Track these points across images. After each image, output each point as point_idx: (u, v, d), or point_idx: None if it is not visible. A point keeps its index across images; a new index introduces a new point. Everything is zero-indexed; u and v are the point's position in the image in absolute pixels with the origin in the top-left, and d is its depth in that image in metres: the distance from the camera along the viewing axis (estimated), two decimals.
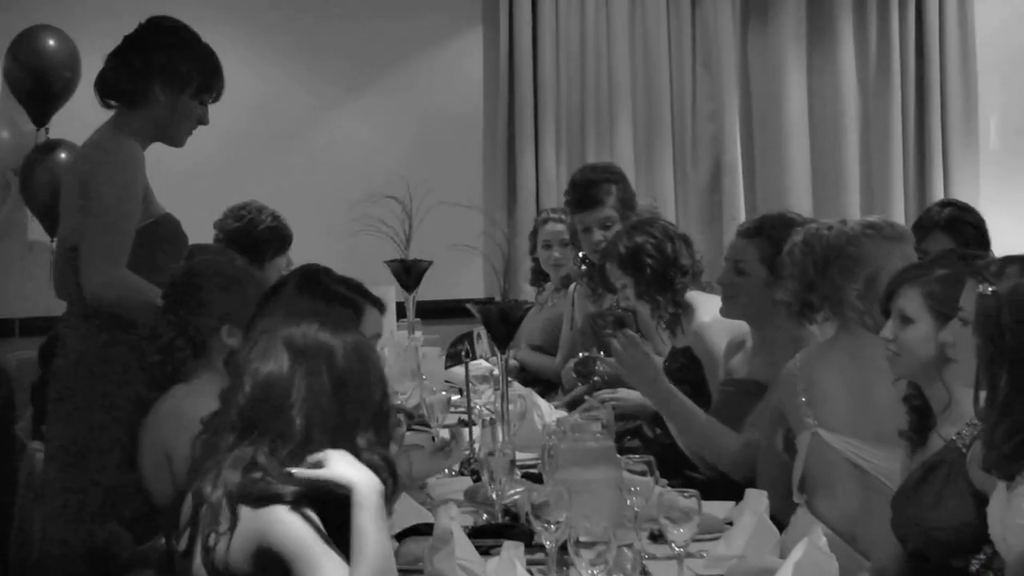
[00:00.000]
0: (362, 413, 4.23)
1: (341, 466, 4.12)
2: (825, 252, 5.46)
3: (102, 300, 5.93)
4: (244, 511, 4.13)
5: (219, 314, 5.41)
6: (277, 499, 4.08)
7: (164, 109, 6.14)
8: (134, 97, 6.12)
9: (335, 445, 4.15)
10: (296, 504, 4.09)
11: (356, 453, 4.19)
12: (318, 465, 4.12)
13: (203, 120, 6.26)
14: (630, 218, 7.75)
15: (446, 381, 7.47)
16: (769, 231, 6.09)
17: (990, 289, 4.30)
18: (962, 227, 6.68)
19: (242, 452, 4.11)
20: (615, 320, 6.22)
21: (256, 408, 4.18)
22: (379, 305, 5.42)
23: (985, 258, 4.85)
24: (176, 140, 6.25)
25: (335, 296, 5.27)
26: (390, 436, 4.35)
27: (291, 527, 4.07)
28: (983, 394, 4.31)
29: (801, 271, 5.51)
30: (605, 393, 6.89)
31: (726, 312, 6.33)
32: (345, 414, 4.20)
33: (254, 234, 7.76)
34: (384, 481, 4.17)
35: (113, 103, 6.17)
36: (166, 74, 6.12)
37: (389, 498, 4.27)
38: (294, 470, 4.07)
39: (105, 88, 6.20)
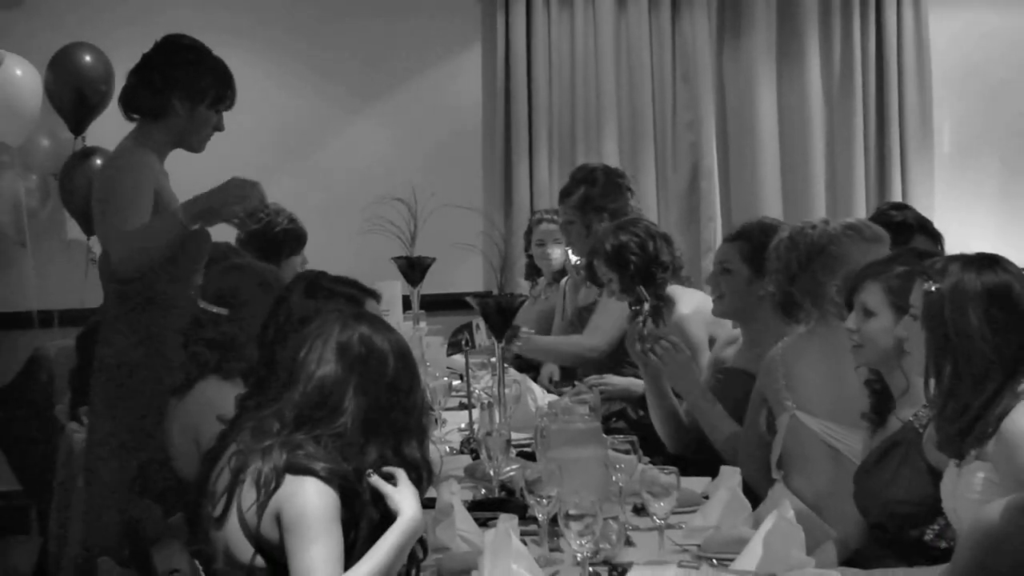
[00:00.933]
0: (408, 417, 4.25)
1: (405, 492, 4.16)
2: (808, 249, 5.49)
3: (126, 273, 5.94)
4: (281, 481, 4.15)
5: (262, 302, 5.41)
6: (310, 472, 4.10)
7: (183, 120, 6.14)
8: (155, 110, 6.13)
9: (382, 446, 4.18)
10: (327, 481, 4.10)
11: (400, 454, 4.23)
12: (391, 477, 4.17)
13: (219, 127, 6.26)
14: (591, 218, 7.79)
15: (448, 368, 7.47)
16: (749, 234, 6.13)
17: (934, 287, 4.32)
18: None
19: (291, 439, 4.14)
20: (636, 300, 6.18)
21: (310, 408, 4.20)
22: (376, 296, 5.41)
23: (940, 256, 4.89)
24: (195, 147, 6.25)
25: (340, 295, 5.27)
26: (428, 436, 4.38)
27: (307, 500, 4.07)
28: (933, 381, 4.33)
29: (785, 265, 5.54)
30: (593, 378, 6.91)
31: (716, 311, 6.35)
32: (394, 418, 4.22)
33: (271, 235, 7.75)
34: (421, 479, 4.23)
35: (136, 116, 6.18)
36: (184, 88, 6.12)
37: (423, 491, 4.30)
38: (371, 478, 4.12)
39: (128, 103, 6.21)
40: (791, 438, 5.26)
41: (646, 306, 6.06)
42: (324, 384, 4.21)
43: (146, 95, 6.15)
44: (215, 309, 5.62)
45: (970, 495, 4.18)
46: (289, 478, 4.09)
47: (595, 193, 7.90)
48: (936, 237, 6.66)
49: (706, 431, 5.99)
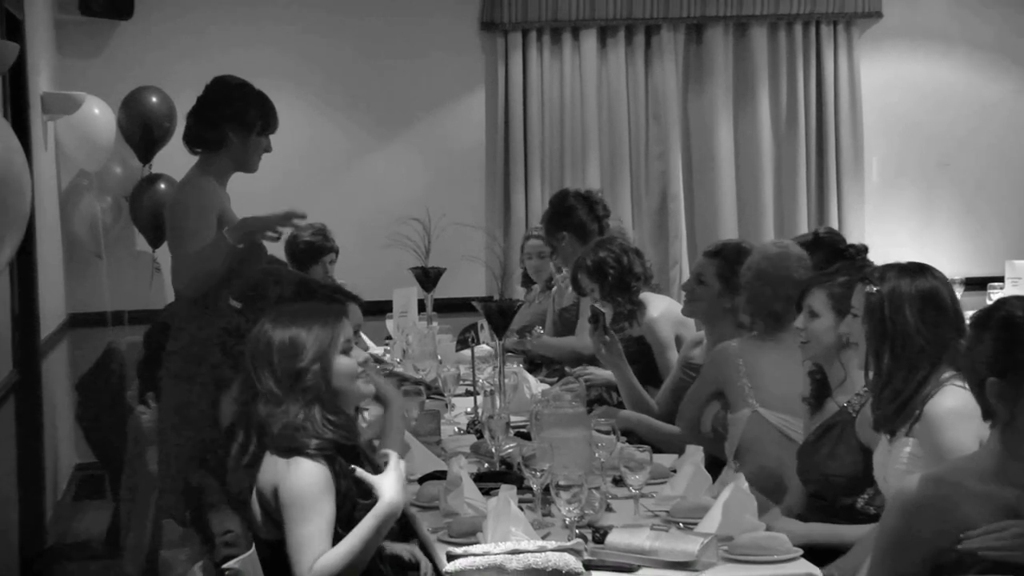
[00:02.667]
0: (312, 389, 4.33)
1: (388, 479, 4.22)
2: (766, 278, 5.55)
3: (192, 293, 5.98)
4: (272, 458, 4.18)
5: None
6: (301, 450, 4.14)
7: (238, 147, 6.14)
8: (213, 143, 6.12)
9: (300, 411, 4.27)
10: (314, 455, 4.14)
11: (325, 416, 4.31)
12: (384, 459, 4.26)
13: (268, 149, 6.25)
14: (552, 233, 7.82)
15: (456, 361, 7.45)
16: (726, 254, 6.09)
17: (875, 289, 4.35)
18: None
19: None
20: (592, 316, 6.22)
21: (249, 396, 4.34)
22: (358, 301, 5.42)
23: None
24: (251, 168, 6.26)
25: (325, 298, 5.29)
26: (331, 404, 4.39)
27: (301, 480, 4.11)
28: (872, 370, 4.35)
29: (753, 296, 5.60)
30: (579, 370, 6.91)
31: (687, 312, 6.35)
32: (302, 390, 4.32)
33: (298, 245, 7.77)
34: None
35: (198, 150, 6.19)
36: (236, 121, 6.12)
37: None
38: (357, 471, 4.18)
39: (190, 139, 6.21)
40: (751, 430, 5.22)
41: (602, 319, 6.11)
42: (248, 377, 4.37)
43: (204, 131, 6.15)
44: (238, 305, 5.63)
45: (898, 466, 4.19)
46: (285, 460, 4.15)
47: (556, 214, 7.91)
48: (854, 253, 6.59)
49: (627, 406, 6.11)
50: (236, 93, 6.24)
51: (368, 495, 4.23)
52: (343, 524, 4.15)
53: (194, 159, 6.32)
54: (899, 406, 4.26)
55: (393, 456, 4.28)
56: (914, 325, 4.28)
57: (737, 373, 5.40)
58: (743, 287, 5.64)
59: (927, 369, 4.28)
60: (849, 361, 4.83)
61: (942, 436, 4.13)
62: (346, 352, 4.45)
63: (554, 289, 8.41)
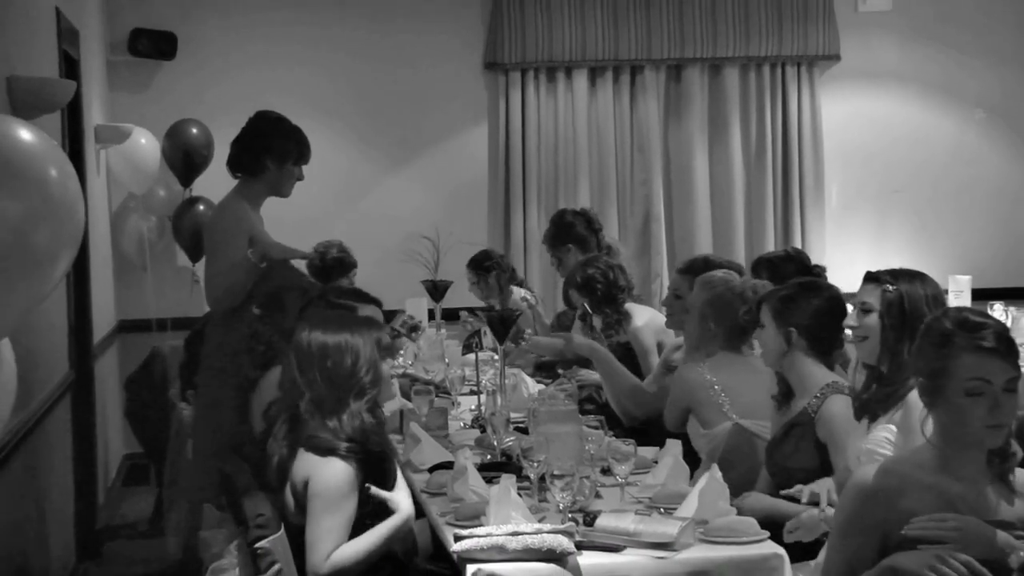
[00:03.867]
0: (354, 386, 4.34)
1: (401, 494, 4.32)
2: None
3: (221, 307, 6.00)
4: (306, 454, 4.19)
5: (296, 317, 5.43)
6: (333, 450, 4.14)
7: (274, 175, 6.18)
8: (252, 170, 6.16)
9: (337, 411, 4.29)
10: (346, 457, 4.14)
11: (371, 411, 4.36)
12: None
13: (300, 177, 6.30)
14: (557, 247, 7.81)
15: (462, 363, 7.46)
16: (695, 269, 6.08)
17: (892, 287, 4.35)
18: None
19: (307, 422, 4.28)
20: (582, 314, 6.24)
21: (292, 400, 4.37)
22: (378, 303, 5.45)
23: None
24: (284, 194, 6.30)
25: (357, 301, 5.33)
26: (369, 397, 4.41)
27: (329, 477, 4.14)
28: (850, 368, 4.35)
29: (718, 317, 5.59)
30: (571, 372, 6.90)
31: (671, 325, 6.32)
32: (347, 388, 4.33)
33: (323, 261, 7.78)
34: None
35: (239, 175, 6.20)
36: (274, 152, 6.16)
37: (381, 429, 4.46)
38: (372, 490, 4.22)
39: (232, 165, 6.24)
40: (732, 440, 5.14)
41: (589, 318, 6.12)
42: (286, 383, 4.39)
43: (245, 159, 6.19)
44: (258, 312, 5.63)
45: (871, 447, 4.18)
46: (312, 456, 4.17)
47: (554, 231, 7.91)
48: (817, 271, 6.55)
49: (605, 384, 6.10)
50: (275, 127, 6.28)
51: (380, 509, 4.27)
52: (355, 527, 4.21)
53: (232, 183, 6.33)
54: (889, 394, 4.26)
55: (400, 482, 4.36)
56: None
57: (712, 392, 5.34)
58: (699, 315, 5.62)
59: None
60: (791, 367, 4.83)
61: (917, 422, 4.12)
62: (382, 356, 4.48)
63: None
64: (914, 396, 4.07)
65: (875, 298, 4.38)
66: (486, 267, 8.37)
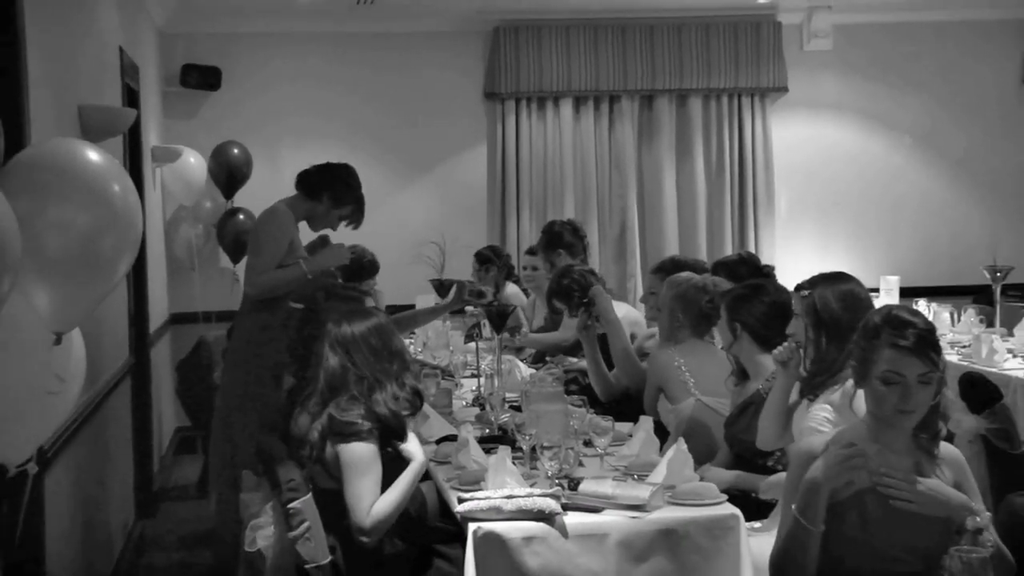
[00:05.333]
0: (394, 367, 4.37)
1: (414, 444, 4.34)
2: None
3: (250, 291, 5.97)
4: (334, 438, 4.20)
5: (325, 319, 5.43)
6: (356, 435, 4.17)
7: (322, 211, 6.15)
8: (310, 193, 6.13)
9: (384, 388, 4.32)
10: (367, 438, 4.16)
11: (403, 388, 4.37)
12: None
13: (334, 228, 6.28)
14: (550, 253, 7.76)
15: (465, 350, 7.46)
16: (666, 268, 6.07)
17: (807, 292, 4.36)
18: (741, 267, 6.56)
19: (334, 407, 4.28)
20: (586, 305, 6.17)
21: (329, 390, 4.35)
22: (368, 294, 5.49)
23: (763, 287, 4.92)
24: (315, 229, 6.27)
25: (346, 296, 5.35)
26: (410, 373, 4.46)
27: (356, 451, 4.16)
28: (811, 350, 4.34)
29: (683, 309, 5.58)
30: (558, 359, 6.89)
31: (650, 317, 6.29)
32: (384, 371, 4.35)
33: (359, 264, 7.76)
34: (414, 404, 4.42)
35: (298, 189, 6.19)
36: (335, 197, 6.13)
37: (418, 408, 4.50)
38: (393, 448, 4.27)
39: (299, 181, 6.22)
40: (695, 415, 5.13)
41: (592, 309, 6.07)
42: (330, 371, 4.34)
43: (312, 184, 6.17)
44: (295, 305, 5.62)
45: (812, 424, 4.16)
46: (344, 443, 4.19)
47: (546, 239, 7.89)
48: (766, 272, 6.56)
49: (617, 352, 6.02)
50: (351, 181, 6.26)
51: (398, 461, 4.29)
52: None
53: (273, 197, 6.30)
54: (826, 379, 4.25)
55: (411, 434, 4.37)
56: (840, 314, 4.26)
57: (679, 372, 5.33)
58: (669, 309, 5.60)
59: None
60: (741, 353, 4.86)
61: (856, 403, 4.12)
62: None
63: (533, 299, 8.41)
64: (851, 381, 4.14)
65: (799, 306, 4.41)
66: (488, 262, 8.34)
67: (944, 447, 3.49)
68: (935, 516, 3.30)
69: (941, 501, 3.31)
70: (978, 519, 3.24)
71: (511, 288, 8.37)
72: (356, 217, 6.29)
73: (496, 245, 8.74)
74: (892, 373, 3.32)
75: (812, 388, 4.30)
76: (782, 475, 4.34)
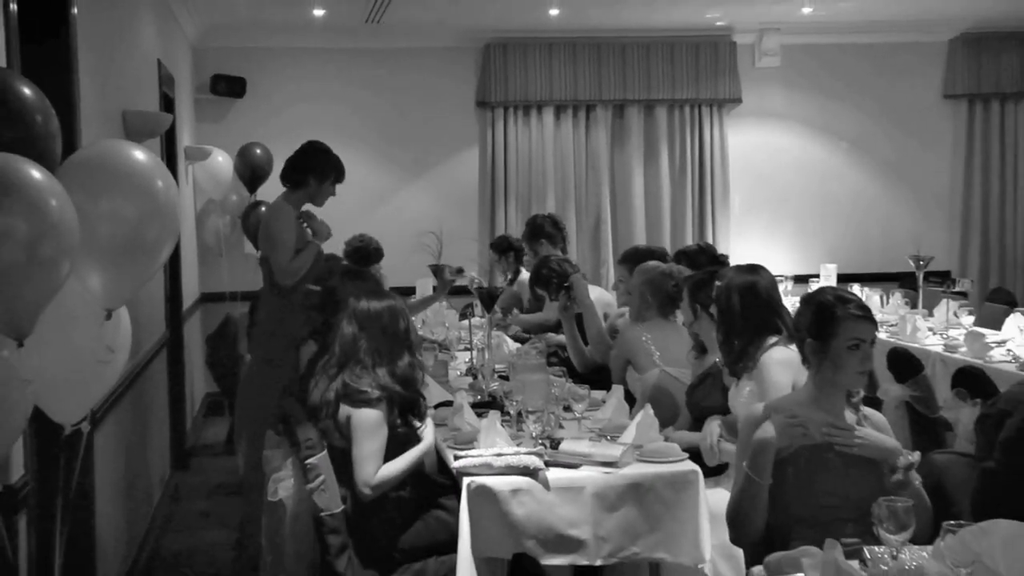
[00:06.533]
0: (403, 343, 4.33)
1: (428, 427, 4.35)
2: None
3: (285, 281, 5.96)
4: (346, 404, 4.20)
5: (344, 295, 5.43)
6: (368, 401, 4.16)
7: (313, 189, 6.09)
8: (297, 183, 6.10)
9: (392, 361, 4.29)
10: (376, 404, 4.16)
11: (411, 365, 4.30)
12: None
13: (333, 194, 6.23)
14: (533, 242, 7.71)
15: (460, 327, 7.47)
16: (631, 261, 6.04)
17: (719, 283, 4.40)
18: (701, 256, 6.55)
19: (349, 374, 4.25)
20: (566, 288, 6.14)
21: (345, 356, 4.32)
22: (371, 274, 5.49)
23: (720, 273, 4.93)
24: (318, 204, 6.21)
25: (359, 276, 5.36)
26: (416, 352, 4.42)
27: (365, 415, 4.15)
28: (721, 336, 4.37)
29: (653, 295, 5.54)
30: (540, 336, 6.89)
31: (622, 303, 6.21)
32: (391, 346, 4.31)
33: (365, 250, 7.75)
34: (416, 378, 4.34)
35: (287, 185, 6.15)
36: (316, 172, 6.05)
37: (422, 381, 4.44)
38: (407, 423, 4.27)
39: (284, 177, 6.18)
40: (659, 383, 5.10)
41: (572, 292, 6.06)
42: (344, 341, 4.31)
43: (294, 173, 6.11)
44: (313, 287, 5.62)
45: (741, 399, 4.21)
46: (354, 408, 4.17)
47: (530, 230, 7.86)
48: (722, 260, 6.56)
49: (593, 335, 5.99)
50: (320, 154, 6.17)
51: (411, 435, 4.31)
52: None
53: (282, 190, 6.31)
54: (736, 359, 4.29)
55: (428, 419, 4.37)
56: (737, 307, 4.29)
57: (645, 345, 5.31)
58: (639, 292, 5.58)
59: (750, 336, 4.30)
60: (700, 330, 4.84)
61: (769, 378, 4.16)
62: None
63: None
64: (765, 359, 4.20)
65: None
66: (506, 251, 8.24)
67: (869, 411, 3.54)
68: (866, 469, 3.34)
69: (879, 446, 3.35)
70: (910, 457, 3.30)
71: (524, 274, 8.37)
72: (340, 176, 6.21)
73: (509, 235, 8.67)
74: (856, 339, 3.37)
75: (734, 370, 4.34)
76: (706, 445, 4.38)
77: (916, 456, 3.32)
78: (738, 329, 4.28)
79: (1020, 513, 2.78)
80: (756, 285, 4.36)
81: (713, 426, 4.42)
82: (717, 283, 4.40)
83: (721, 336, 4.36)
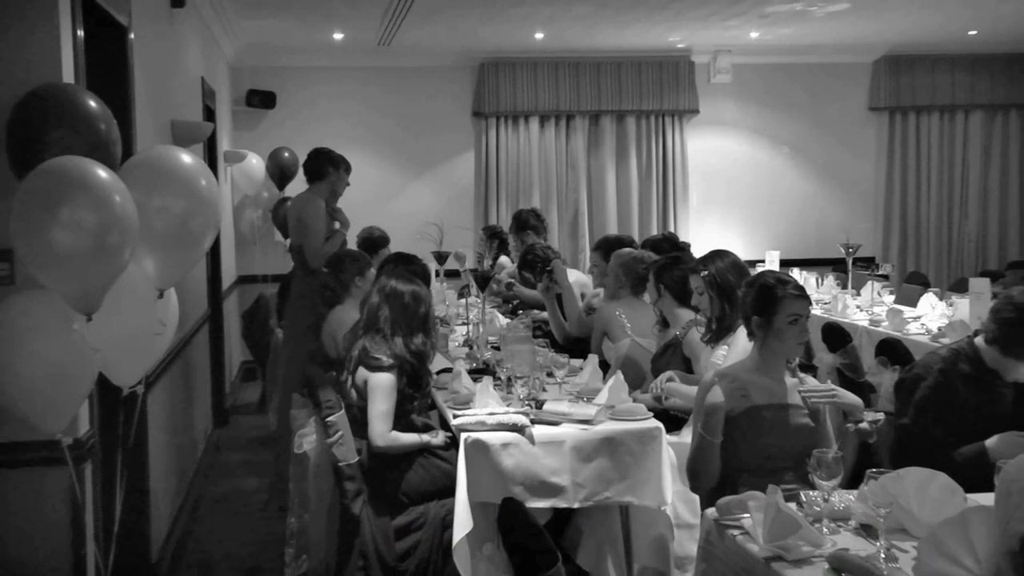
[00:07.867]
0: (419, 321, 4.27)
1: (440, 434, 4.20)
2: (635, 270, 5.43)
3: (316, 264, 5.97)
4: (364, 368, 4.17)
5: (355, 273, 5.43)
6: (381, 367, 4.12)
7: (335, 177, 6.16)
8: (321, 175, 6.14)
9: (409, 335, 4.20)
10: (390, 369, 4.13)
11: (426, 338, 4.22)
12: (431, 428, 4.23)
13: (348, 184, 6.29)
14: (520, 233, 7.57)
15: (457, 305, 7.46)
16: (604, 248, 5.98)
17: (705, 272, 4.32)
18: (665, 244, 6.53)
19: (369, 340, 4.20)
20: (548, 272, 6.10)
21: (370, 322, 4.25)
22: (424, 265, 5.48)
23: (686, 260, 4.89)
24: (339, 193, 6.28)
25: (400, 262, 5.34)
26: (431, 329, 4.36)
27: (380, 379, 4.10)
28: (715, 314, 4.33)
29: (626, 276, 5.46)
30: (527, 311, 6.90)
31: (597, 284, 6.11)
32: (410, 321, 4.24)
33: (373, 238, 7.76)
34: (426, 354, 4.25)
35: (312, 181, 6.18)
36: (333, 163, 6.18)
37: (432, 358, 4.35)
38: (425, 437, 4.14)
39: (309, 175, 6.22)
40: (630, 352, 5.07)
41: (551, 275, 6.04)
42: (370, 308, 4.27)
43: (314, 169, 6.19)
44: (325, 269, 5.62)
45: (716, 360, 4.19)
46: (371, 371, 4.11)
47: (517, 221, 7.83)
48: (683, 247, 6.57)
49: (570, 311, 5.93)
50: (327, 152, 6.34)
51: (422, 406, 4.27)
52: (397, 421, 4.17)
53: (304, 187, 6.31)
54: (726, 329, 4.26)
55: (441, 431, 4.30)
56: (734, 282, 4.24)
57: (619, 319, 5.26)
58: (614, 275, 5.50)
59: (735, 306, 4.27)
60: (663, 307, 4.79)
61: (741, 343, 4.13)
62: None
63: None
64: (740, 331, 4.12)
65: (700, 283, 4.37)
66: (493, 237, 8.18)
67: (805, 376, 3.56)
68: (801, 426, 3.36)
69: (849, 402, 3.41)
70: (878, 415, 3.38)
71: (503, 259, 8.36)
72: (348, 165, 6.42)
73: (499, 226, 8.65)
74: (795, 315, 3.38)
75: (715, 338, 4.33)
76: (682, 387, 4.37)
77: (881, 416, 3.37)
78: (735, 300, 4.22)
79: (930, 462, 2.81)
80: (736, 261, 4.35)
81: (663, 375, 4.42)
82: (704, 273, 4.30)
83: (720, 314, 4.28)
